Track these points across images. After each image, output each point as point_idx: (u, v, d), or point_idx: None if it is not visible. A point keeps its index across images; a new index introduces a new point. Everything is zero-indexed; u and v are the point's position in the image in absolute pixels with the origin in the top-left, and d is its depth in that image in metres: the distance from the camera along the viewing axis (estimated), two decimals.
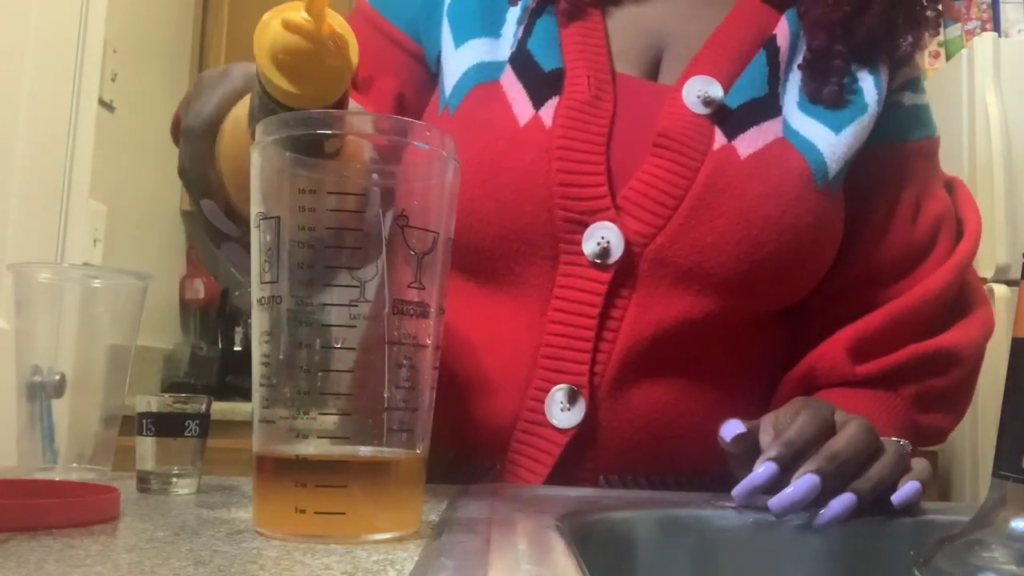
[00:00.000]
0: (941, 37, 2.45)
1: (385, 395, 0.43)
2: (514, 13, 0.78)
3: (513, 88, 0.74)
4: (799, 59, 0.77)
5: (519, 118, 0.72)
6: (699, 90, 0.73)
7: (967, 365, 0.78)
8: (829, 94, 0.74)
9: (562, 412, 0.69)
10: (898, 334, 0.76)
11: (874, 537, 0.57)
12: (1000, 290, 1.97)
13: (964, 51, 2.15)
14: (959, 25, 2.43)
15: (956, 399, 0.79)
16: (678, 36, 0.78)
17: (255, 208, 0.45)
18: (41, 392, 0.63)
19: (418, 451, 0.45)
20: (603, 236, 0.70)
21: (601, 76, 0.74)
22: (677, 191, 0.70)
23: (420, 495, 0.46)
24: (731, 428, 0.62)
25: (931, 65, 2.43)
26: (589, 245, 0.70)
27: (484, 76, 0.75)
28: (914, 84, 0.81)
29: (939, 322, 0.78)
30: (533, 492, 0.63)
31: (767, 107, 0.74)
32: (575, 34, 0.76)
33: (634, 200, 0.71)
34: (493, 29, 0.77)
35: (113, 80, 2.08)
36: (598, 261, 0.70)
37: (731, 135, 0.72)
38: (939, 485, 2.06)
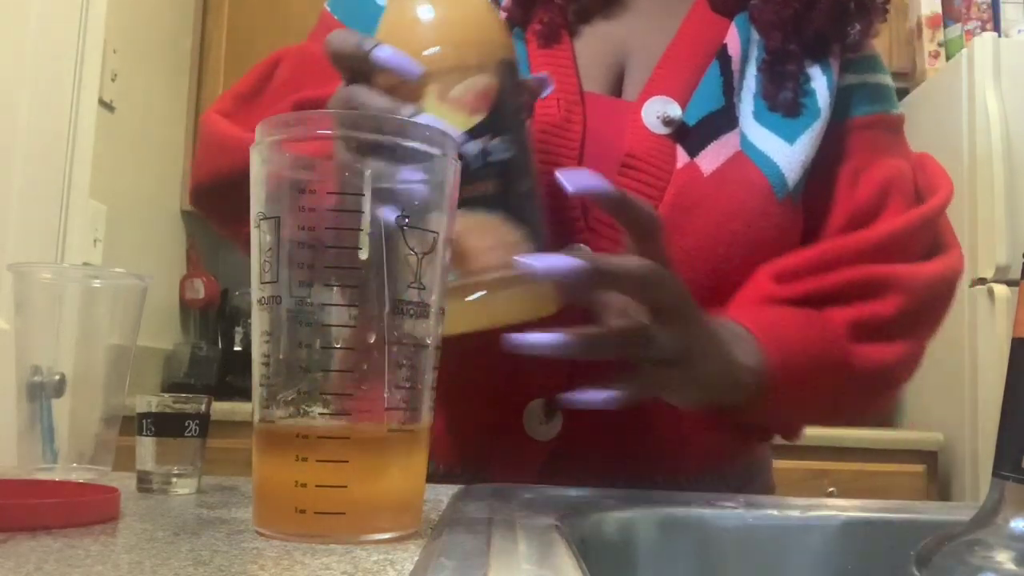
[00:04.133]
0: (941, 37, 2.45)
1: (385, 395, 0.43)
2: None
3: None
4: (752, 65, 0.77)
5: None
6: (658, 111, 0.74)
7: (909, 292, 0.72)
8: (784, 100, 0.75)
9: (540, 425, 0.71)
10: (832, 265, 0.72)
11: (874, 537, 0.57)
12: (1000, 290, 1.97)
13: (964, 51, 2.15)
14: (959, 25, 2.43)
15: (899, 328, 0.72)
16: (638, 50, 0.79)
17: (255, 208, 0.45)
18: (41, 392, 0.63)
19: (418, 451, 0.45)
20: None
21: (571, 98, 0.74)
22: None
23: (420, 495, 0.46)
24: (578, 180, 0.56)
25: (931, 65, 2.43)
26: None
27: None
28: (858, 64, 0.79)
29: (888, 261, 0.73)
30: (533, 492, 0.63)
31: (725, 119, 0.74)
32: (544, 55, 0.76)
33: (605, 221, 0.71)
34: None
35: (113, 80, 2.08)
36: None
37: (693, 152, 0.73)
38: (939, 485, 2.06)
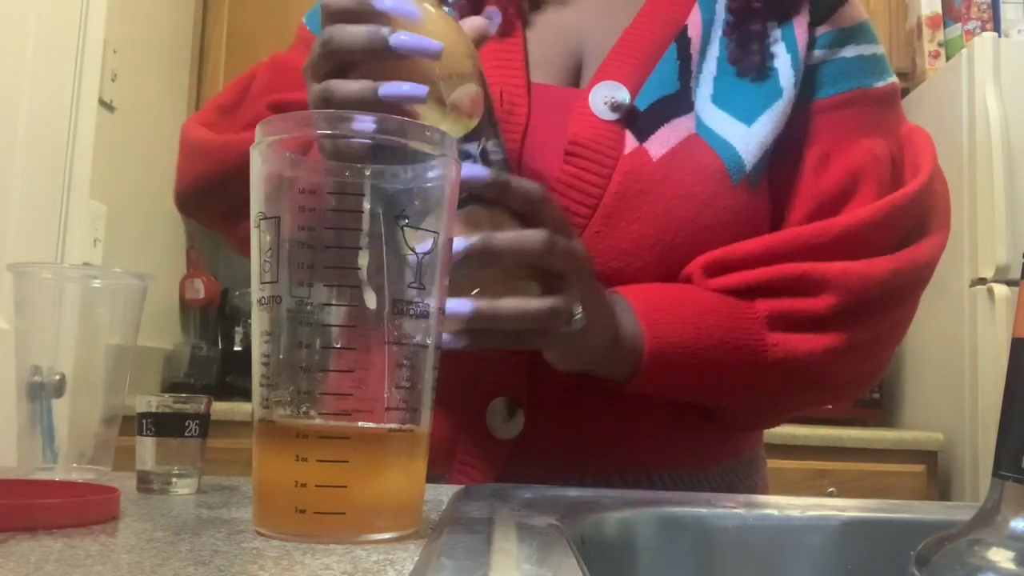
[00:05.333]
0: (941, 37, 2.45)
1: (385, 395, 0.43)
2: None
3: None
4: (713, 46, 0.75)
5: None
6: (606, 96, 0.72)
7: (846, 292, 0.69)
8: (752, 63, 0.73)
9: (503, 424, 0.70)
10: (775, 259, 0.69)
11: (874, 537, 0.57)
12: (1000, 290, 1.97)
13: (964, 51, 2.15)
14: (959, 25, 2.43)
15: (828, 323, 0.69)
16: (594, 38, 0.77)
17: (255, 208, 0.45)
18: (41, 392, 0.63)
19: (418, 451, 0.45)
20: None
21: (515, 90, 0.74)
22: (590, 200, 0.70)
23: (420, 495, 0.46)
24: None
25: (931, 65, 2.43)
26: None
27: None
28: (830, 38, 0.76)
29: (848, 254, 0.70)
30: (533, 492, 0.63)
31: (679, 103, 0.73)
32: (493, 50, 0.75)
33: (552, 188, 0.70)
34: None
35: (113, 80, 2.08)
36: None
37: (642, 137, 0.71)
38: (939, 485, 2.06)
